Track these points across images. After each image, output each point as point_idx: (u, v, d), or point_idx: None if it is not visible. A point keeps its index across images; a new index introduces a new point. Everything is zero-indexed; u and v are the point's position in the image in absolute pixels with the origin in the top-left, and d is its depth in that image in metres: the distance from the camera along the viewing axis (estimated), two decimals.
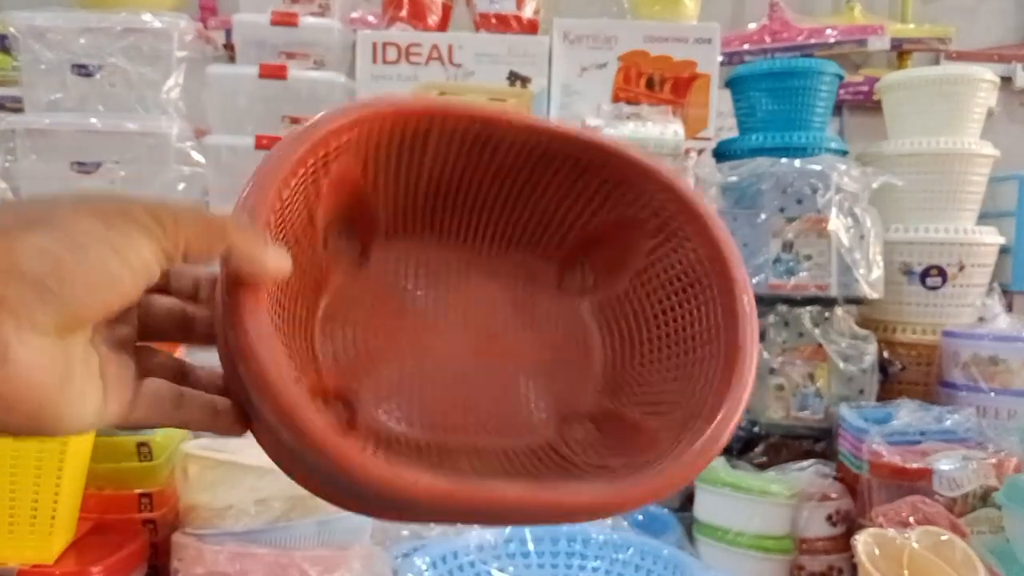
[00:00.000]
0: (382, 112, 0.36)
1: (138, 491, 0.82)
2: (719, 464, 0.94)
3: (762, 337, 1.06)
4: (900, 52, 1.54)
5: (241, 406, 0.32)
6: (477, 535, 0.79)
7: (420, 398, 0.40)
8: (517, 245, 0.44)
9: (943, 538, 0.73)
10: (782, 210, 1.05)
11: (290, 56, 1.17)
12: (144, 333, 0.33)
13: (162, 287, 0.34)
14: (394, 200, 0.41)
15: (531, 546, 0.80)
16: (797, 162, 1.06)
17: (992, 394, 1.05)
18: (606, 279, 0.44)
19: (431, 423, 0.40)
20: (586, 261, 0.45)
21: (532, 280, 0.45)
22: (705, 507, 0.90)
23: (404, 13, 1.18)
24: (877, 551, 0.72)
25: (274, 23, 1.14)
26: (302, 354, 0.38)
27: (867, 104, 1.51)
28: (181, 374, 0.34)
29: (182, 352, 0.40)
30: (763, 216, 1.05)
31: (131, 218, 0.27)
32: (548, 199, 0.43)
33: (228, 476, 0.76)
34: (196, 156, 1.13)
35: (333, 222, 0.40)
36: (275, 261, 0.30)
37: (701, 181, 1.11)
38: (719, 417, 0.34)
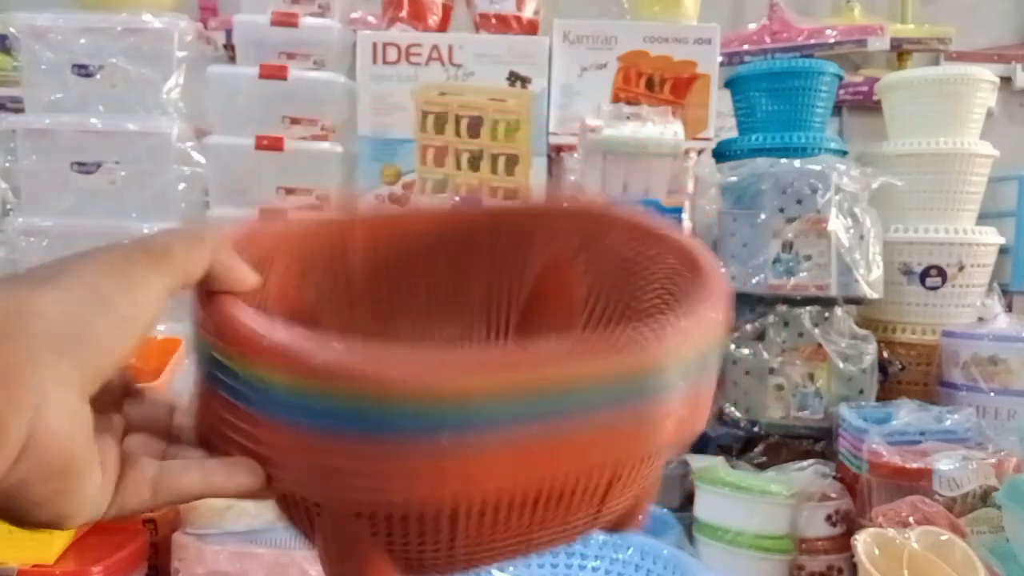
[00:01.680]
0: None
1: None
2: (719, 464, 0.94)
3: (762, 337, 1.07)
4: (900, 52, 1.54)
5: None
6: None
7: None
8: (469, 318, 0.44)
9: (943, 538, 0.73)
10: (782, 210, 1.05)
11: (290, 56, 1.17)
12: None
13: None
14: (331, 301, 0.40)
15: None
16: (797, 162, 1.06)
17: (992, 394, 1.05)
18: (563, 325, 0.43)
19: None
20: (540, 323, 0.43)
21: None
22: (705, 507, 0.90)
23: (404, 13, 1.18)
24: (877, 551, 0.72)
25: (274, 23, 1.14)
26: None
27: (867, 104, 1.50)
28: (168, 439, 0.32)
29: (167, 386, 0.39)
30: (763, 216, 1.05)
31: (145, 253, 0.27)
32: (478, 272, 0.43)
33: None
34: (196, 156, 1.13)
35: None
36: (249, 273, 0.31)
37: (701, 181, 1.11)
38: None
